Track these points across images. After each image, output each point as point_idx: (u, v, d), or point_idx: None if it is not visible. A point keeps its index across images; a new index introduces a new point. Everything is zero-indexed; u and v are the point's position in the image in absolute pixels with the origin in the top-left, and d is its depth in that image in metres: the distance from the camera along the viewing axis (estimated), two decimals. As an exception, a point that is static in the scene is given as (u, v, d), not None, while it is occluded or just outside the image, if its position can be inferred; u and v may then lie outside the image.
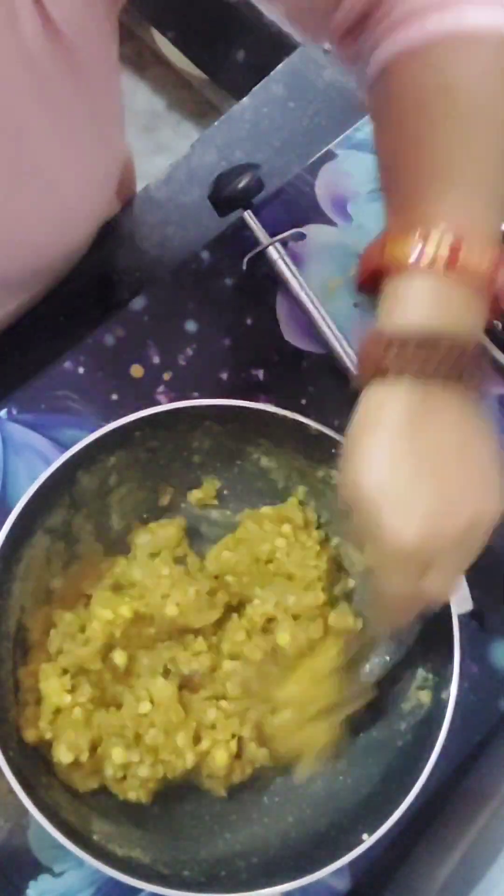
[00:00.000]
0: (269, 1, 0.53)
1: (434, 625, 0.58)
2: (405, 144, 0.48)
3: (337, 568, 0.63)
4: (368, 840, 0.53)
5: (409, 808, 0.53)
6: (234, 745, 0.57)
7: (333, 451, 0.59)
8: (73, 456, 0.55)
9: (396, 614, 0.51)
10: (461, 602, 0.58)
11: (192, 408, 0.58)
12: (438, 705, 0.56)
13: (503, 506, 0.44)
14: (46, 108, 0.48)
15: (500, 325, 0.73)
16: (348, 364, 0.68)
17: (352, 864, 0.54)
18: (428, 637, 0.59)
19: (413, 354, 0.44)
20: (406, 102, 0.47)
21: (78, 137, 0.53)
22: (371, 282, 0.48)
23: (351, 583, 0.63)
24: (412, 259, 0.44)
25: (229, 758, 0.57)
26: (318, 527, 0.64)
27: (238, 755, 0.58)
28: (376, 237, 0.49)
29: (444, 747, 0.54)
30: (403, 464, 0.44)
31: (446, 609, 0.56)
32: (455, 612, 0.56)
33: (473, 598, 0.62)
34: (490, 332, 0.73)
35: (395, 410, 0.45)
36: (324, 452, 0.59)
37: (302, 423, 0.58)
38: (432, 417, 0.44)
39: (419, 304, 0.45)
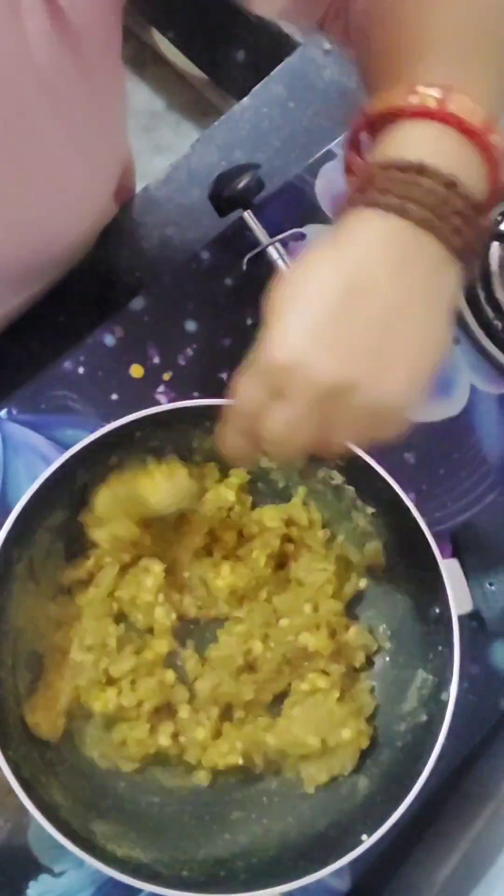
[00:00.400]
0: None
1: (434, 626, 0.58)
2: (390, 33, 0.44)
3: (345, 567, 0.63)
4: (367, 841, 0.53)
5: (408, 809, 0.53)
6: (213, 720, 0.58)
7: None
8: (74, 455, 0.55)
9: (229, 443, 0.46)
10: (461, 603, 0.57)
11: (193, 408, 0.58)
12: (438, 707, 0.56)
13: (405, 386, 0.40)
14: (50, 100, 0.48)
15: (500, 326, 0.73)
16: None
17: (352, 864, 0.54)
18: (428, 638, 0.59)
19: (398, 179, 0.39)
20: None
21: (82, 130, 0.52)
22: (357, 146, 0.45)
23: (362, 583, 0.63)
24: (402, 102, 0.41)
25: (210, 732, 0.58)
26: (324, 526, 0.64)
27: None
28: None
29: (444, 747, 0.54)
30: (330, 302, 0.39)
31: (446, 611, 0.56)
32: (455, 613, 0.56)
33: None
34: (491, 332, 0.73)
35: (358, 239, 0.40)
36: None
37: None
38: (389, 262, 0.39)
39: (413, 142, 0.41)
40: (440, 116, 0.40)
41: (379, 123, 0.43)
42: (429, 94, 0.40)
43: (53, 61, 0.46)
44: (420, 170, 0.39)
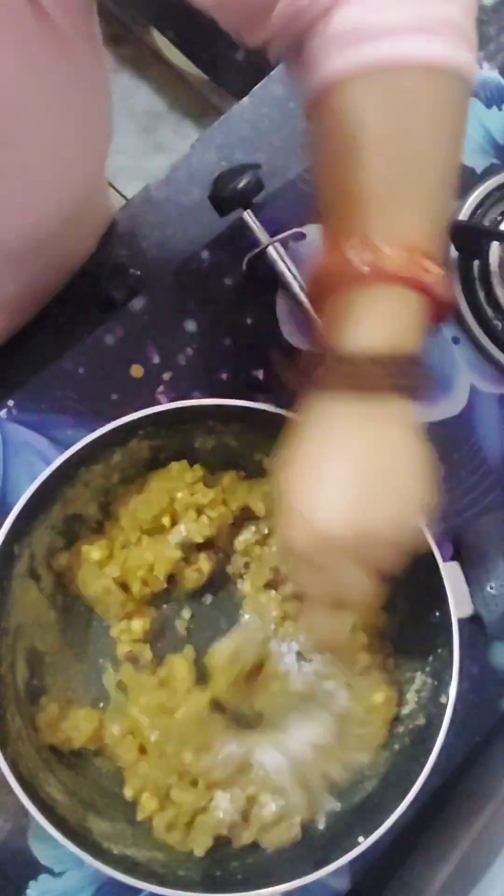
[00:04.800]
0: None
1: (434, 629, 0.58)
2: (342, 173, 0.48)
3: None
4: (363, 843, 0.53)
5: (408, 808, 0.53)
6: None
7: None
8: (76, 454, 0.55)
9: (321, 627, 0.52)
10: (461, 606, 0.57)
11: (196, 407, 0.58)
12: (437, 709, 0.56)
13: (416, 515, 0.47)
14: (30, 69, 0.49)
15: (500, 326, 0.73)
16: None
17: (352, 864, 0.54)
18: (427, 641, 0.58)
19: (361, 371, 0.45)
20: (340, 134, 0.48)
21: (66, 100, 0.53)
22: (318, 294, 0.50)
23: None
24: (356, 264, 0.46)
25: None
26: None
27: None
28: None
29: (444, 747, 0.54)
30: (333, 472, 0.46)
31: (446, 614, 0.56)
32: (455, 616, 0.56)
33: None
34: (491, 332, 0.73)
35: (336, 426, 0.47)
36: None
37: None
38: (367, 431, 0.46)
39: (366, 320, 0.46)
40: (400, 282, 0.45)
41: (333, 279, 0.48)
42: (380, 248, 0.45)
43: (33, 38, 0.47)
44: (382, 361, 0.45)
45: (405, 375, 0.46)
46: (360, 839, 0.53)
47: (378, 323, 0.46)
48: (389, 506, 0.46)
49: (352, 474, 0.46)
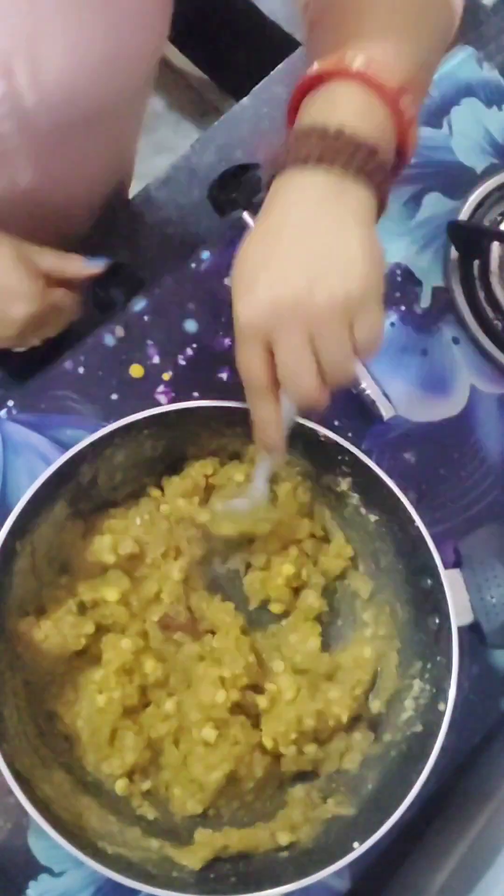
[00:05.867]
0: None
1: (434, 636, 0.58)
2: (335, 22, 0.54)
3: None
4: (359, 849, 0.53)
5: (408, 809, 0.53)
6: None
7: (339, 457, 0.59)
8: (78, 453, 0.55)
9: (261, 414, 0.52)
10: (461, 614, 0.57)
11: (199, 408, 0.58)
12: (435, 717, 0.55)
13: (358, 292, 0.46)
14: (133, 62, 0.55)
15: (500, 326, 0.73)
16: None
17: (351, 864, 0.54)
18: (427, 648, 0.58)
19: (328, 143, 0.46)
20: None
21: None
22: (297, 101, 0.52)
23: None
24: (331, 66, 0.49)
25: None
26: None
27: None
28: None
29: (444, 747, 0.54)
30: (267, 246, 0.47)
31: (446, 621, 0.56)
32: (455, 624, 0.56)
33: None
34: (491, 332, 0.73)
35: (294, 202, 0.47)
36: (329, 459, 0.59)
37: (309, 427, 0.58)
38: (322, 209, 0.47)
39: (338, 106, 0.48)
40: (360, 78, 0.48)
41: (315, 85, 0.50)
42: (353, 59, 0.48)
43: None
44: (337, 136, 0.47)
45: (369, 159, 0.47)
46: (355, 844, 0.53)
47: (353, 109, 0.48)
48: (337, 284, 0.46)
49: (303, 247, 0.46)
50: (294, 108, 0.51)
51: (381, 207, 0.49)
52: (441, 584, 0.56)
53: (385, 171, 0.48)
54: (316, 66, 0.50)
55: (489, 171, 0.77)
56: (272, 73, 0.79)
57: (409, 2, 0.54)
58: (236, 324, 0.48)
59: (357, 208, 0.47)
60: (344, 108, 0.48)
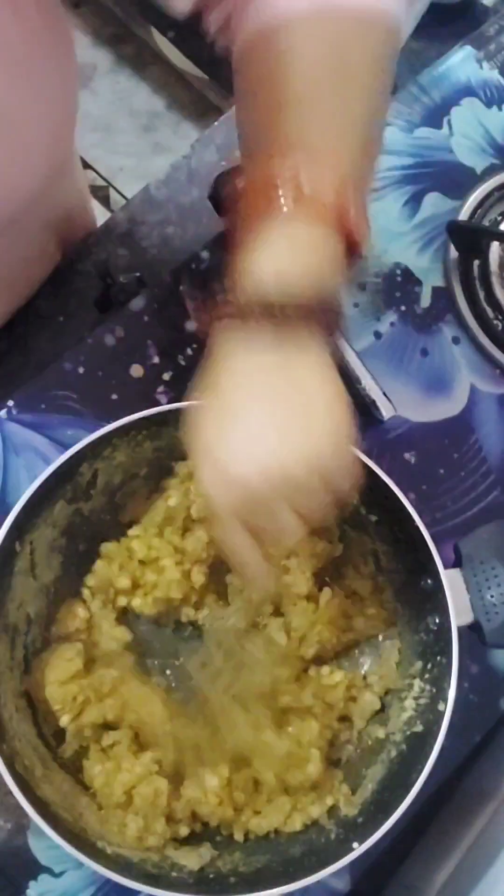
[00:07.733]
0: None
1: (433, 636, 0.58)
2: (260, 109, 0.50)
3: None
4: (359, 849, 0.53)
5: (408, 809, 0.53)
6: None
7: None
8: (77, 453, 0.55)
9: (250, 572, 0.50)
10: (461, 614, 0.57)
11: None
12: (435, 717, 0.55)
13: (333, 456, 0.45)
14: None
15: (500, 326, 0.73)
16: (348, 362, 0.68)
17: (351, 864, 0.54)
18: (426, 648, 0.58)
19: (274, 319, 0.44)
20: (258, 76, 0.49)
21: (28, 78, 0.52)
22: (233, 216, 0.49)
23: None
24: (262, 182, 0.45)
25: None
26: None
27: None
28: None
29: (444, 747, 0.54)
30: (222, 419, 0.45)
31: (446, 621, 0.56)
32: (455, 624, 0.56)
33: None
34: (491, 332, 0.73)
35: (248, 366, 0.46)
36: None
37: None
38: (280, 371, 0.45)
39: (281, 259, 0.45)
40: (301, 207, 0.45)
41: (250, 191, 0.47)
42: (287, 173, 0.45)
43: None
44: (282, 309, 0.44)
45: (322, 312, 0.45)
46: (355, 845, 0.53)
47: (295, 258, 0.45)
48: (305, 447, 0.44)
49: (264, 417, 0.45)
50: (232, 211, 0.48)
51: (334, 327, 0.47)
52: (441, 584, 0.56)
53: (336, 309, 0.46)
54: (247, 178, 0.47)
55: (489, 171, 0.77)
56: (272, 73, 0.79)
57: (339, 65, 0.49)
58: (208, 501, 0.46)
59: (310, 361, 0.45)
60: (286, 260, 0.45)
